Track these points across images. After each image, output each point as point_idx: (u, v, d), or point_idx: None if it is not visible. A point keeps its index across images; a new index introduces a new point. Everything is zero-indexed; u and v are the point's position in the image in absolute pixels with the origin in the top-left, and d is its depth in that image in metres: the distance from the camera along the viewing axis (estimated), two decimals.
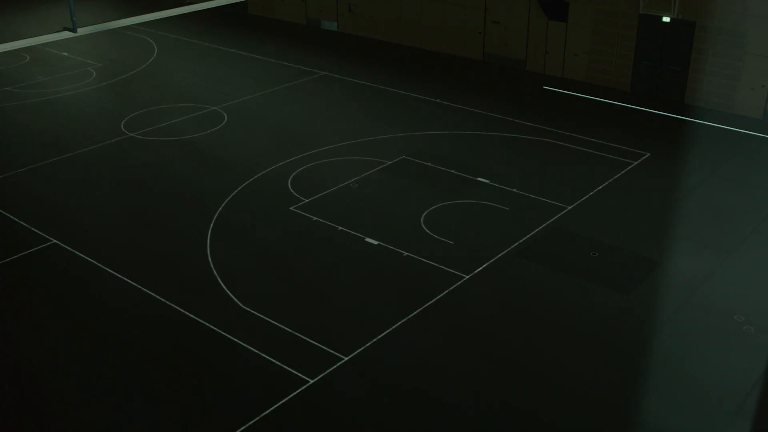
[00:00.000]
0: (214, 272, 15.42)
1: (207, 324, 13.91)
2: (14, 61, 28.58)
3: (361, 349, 13.24)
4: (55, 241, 16.55)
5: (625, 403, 12.05)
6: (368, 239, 16.54)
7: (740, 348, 13.23)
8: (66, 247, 16.34)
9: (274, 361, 12.95)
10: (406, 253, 16.03)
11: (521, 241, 16.53)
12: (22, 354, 13.28)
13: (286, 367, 12.80)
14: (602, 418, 11.77)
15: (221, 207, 17.81)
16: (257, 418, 11.73)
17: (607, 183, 19.01)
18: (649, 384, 12.44)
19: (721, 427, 11.55)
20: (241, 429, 11.54)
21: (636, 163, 20.07)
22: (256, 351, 13.18)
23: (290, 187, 18.76)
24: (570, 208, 17.87)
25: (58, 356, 13.18)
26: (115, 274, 15.41)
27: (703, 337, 13.51)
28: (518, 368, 12.83)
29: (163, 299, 14.61)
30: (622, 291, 14.82)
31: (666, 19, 23.72)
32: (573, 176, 19.36)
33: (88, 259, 15.91)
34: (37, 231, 16.93)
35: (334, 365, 12.86)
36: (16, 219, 17.44)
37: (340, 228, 16.96)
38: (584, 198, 18.31)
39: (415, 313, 14.22)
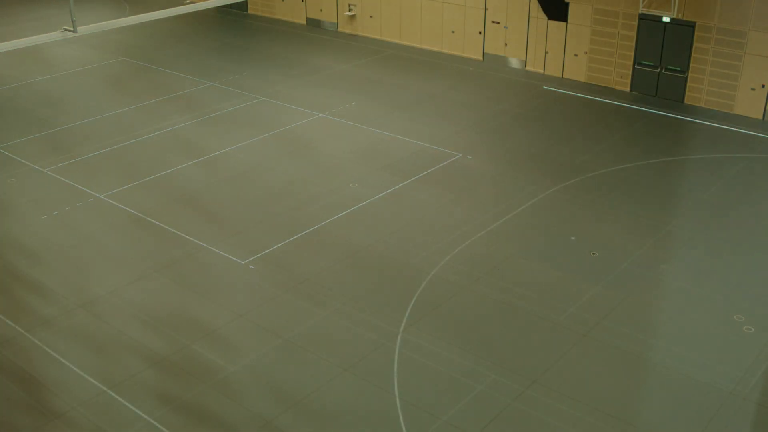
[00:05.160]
0: None
1: None
2: None
3: None
4: None
5: (625, 403, 12.05)
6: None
7: (740, 348, 13.22)
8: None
9: None
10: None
11: (521, 239, 16.52)
12: None
13: None
14: (601, 418, 11.76)
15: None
16: None
17: (606, 183, 19.00)
18: (649, 384, 12.44)
19: (721, 428, 11.54)
20: None
21: (636, 162, 20.06)
22: None
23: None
24: (570, 207, 17.86)
25: None
26: None
27: (703, 337, 13.51)
28: (516, 368, 12.83)
29: None
30: (622, 291, 14.81)
31: (666, 19, 23.71)
32: (573, 176, 19.35)
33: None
34: None
35: None
36: None
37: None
38: (584, 197, 18.30)
39: (408, 312, 14.22)
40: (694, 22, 23.31)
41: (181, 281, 15.23)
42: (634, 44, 24.70)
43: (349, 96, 24.98)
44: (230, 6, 35.86)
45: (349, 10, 31.66)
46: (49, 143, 21.52)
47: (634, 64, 24.94)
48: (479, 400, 12.12)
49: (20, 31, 32.33)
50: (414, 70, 27.49)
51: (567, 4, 25.76)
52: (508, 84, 26.09)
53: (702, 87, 23.74)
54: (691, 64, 23.76)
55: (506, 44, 27.67)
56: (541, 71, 27.15)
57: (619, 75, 25.39)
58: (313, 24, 33.24)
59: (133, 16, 16.23)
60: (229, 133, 22.05)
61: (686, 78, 23.96)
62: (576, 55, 26.10)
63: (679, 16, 23.40)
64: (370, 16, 31.10)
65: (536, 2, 26.45)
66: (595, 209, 17.76)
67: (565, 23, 26.07)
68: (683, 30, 23.61)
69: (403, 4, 29.88)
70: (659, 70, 24.46)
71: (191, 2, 35.69)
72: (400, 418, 11.78)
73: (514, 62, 27.75)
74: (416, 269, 15.50)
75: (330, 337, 13.60)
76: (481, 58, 28.51)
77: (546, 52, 26.83)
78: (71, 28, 15.05)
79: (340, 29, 32.42)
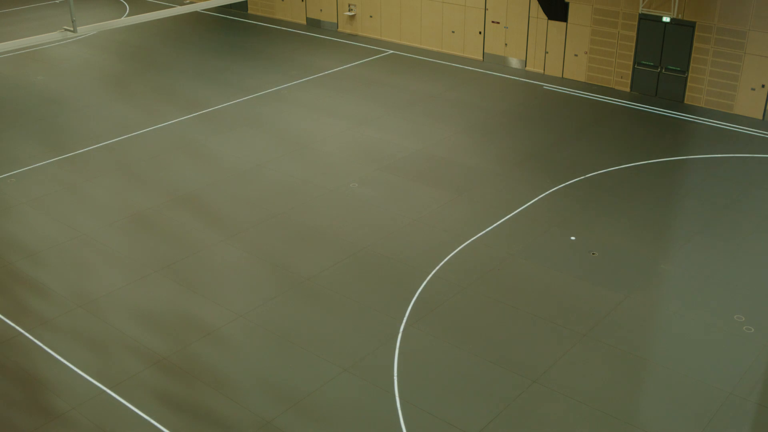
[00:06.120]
0: None
1: None
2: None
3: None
4: None
5: (625, 403, 12.05)
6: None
7: (740, 348, 13.22)
8: None
9: None
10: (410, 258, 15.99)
11: (520, 239, 16.52)
12: None
13: None
14: (601, 418, 11.76)
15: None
16: None
17: (606, 183, 19.00)
18: (649, 384, 12.44)
19: (721, 428, 11.54)
20: None
21: (636, 162, 20.07)
22: None
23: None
24: (570, 207, 17.86)
25: None
26: None
27: (703, 337, 13.51)
28: (516, 368, 12.82)
29: None
30: (622, 291, 14.81)
31: (666, 19, 23.71)
32: (573, 176, 19.35)
33: None
34: None
35: None
36: None
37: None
38: (584, 197, 18.30)
39: (408, 312, 14.22)
40: (694, 22, 23.31)
41: (181, 281, 15.23)
42: (634, 44, 24.70)
43: (348, 96, 24.98)
44: (230, 6, 35.88)
45: (349, 10, 31.66)
46: (49, 143, 21.53)
47: (634, 64, 24.94)
48: (479, 400, 12.12)
49: (20, 31, 32.35)
50: (414, 70, 27.50)
51: (567, 4, 25.76)
52: (508, 84, 26.10)
53: (702, 87, 23.75)
54: (691, 64, 23.76)
55: (506, 44, 27.67)
56: (541, 71, 27.16)
57: (619, 75, 25.39)
58: (313, 24, 33.24)
59: (133, 16, 16.23)
60: (229, 133, 22.06)
61: (686, 78, 23.96)
62: (576, 55, 26.10)
63: (679, 16, 23.40)
64: (370, 16, 31.10)
65: (536, 2, 26.45)
66: (595, 209, 17.76)
67: (565, 23, 26.07)
68: (683, 30, 23.61)
69: (403, 4, 29.89)
70: (659, 70, 24.46)
71: (191, 2, 35.70)
72: (400, 418, 11.78)
73: (514, 62, 27.76)
74: (416, 269, 15.50)
75: (330, 337, 13.60)
76: (481, 58, 28.52)
77: (546, 52, 26.84)
78: (71, 28, 15.05)
79: (340, 29, 32.42)
